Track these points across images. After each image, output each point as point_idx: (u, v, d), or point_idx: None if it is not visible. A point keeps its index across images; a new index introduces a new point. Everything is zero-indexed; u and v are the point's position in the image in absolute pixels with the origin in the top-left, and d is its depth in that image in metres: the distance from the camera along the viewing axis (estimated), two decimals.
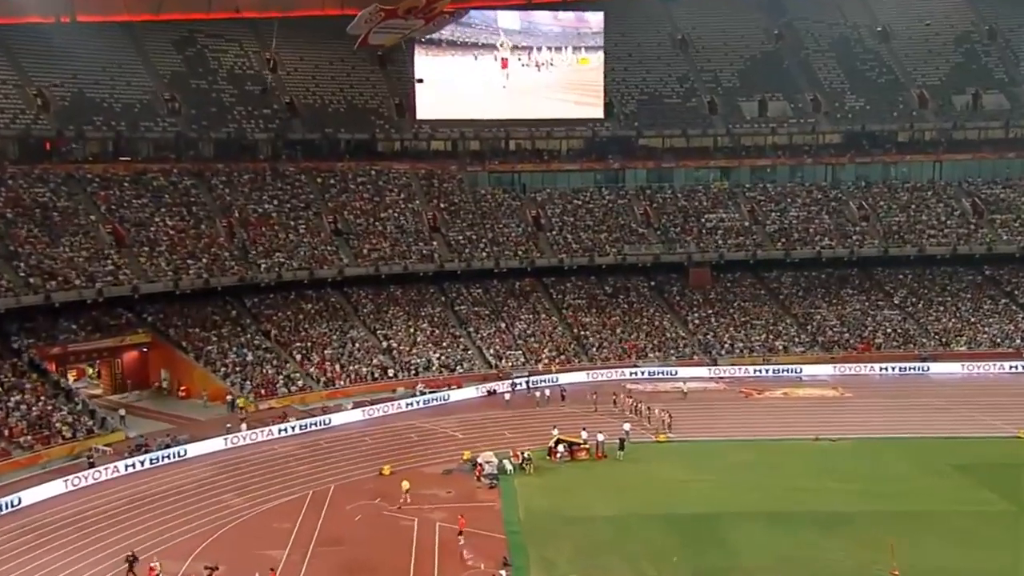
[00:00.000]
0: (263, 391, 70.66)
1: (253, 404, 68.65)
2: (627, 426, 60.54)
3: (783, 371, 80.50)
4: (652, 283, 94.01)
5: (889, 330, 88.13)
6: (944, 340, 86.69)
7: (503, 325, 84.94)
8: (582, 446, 58.02)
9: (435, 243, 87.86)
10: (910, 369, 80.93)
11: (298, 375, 73.29)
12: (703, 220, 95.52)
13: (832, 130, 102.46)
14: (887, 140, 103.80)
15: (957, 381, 77.93)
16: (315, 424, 63.11)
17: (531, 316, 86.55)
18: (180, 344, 73.88)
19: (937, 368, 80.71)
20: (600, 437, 58.02)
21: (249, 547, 43.83)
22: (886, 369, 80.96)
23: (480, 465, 52.94)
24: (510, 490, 51.88)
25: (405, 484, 50.37)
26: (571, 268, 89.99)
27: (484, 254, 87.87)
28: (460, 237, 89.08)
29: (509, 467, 54.77)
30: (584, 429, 59.35)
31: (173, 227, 80.00)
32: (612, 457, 57.50)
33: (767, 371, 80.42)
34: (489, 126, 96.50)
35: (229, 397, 69.11)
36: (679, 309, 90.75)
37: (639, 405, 66.33)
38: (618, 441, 57.95)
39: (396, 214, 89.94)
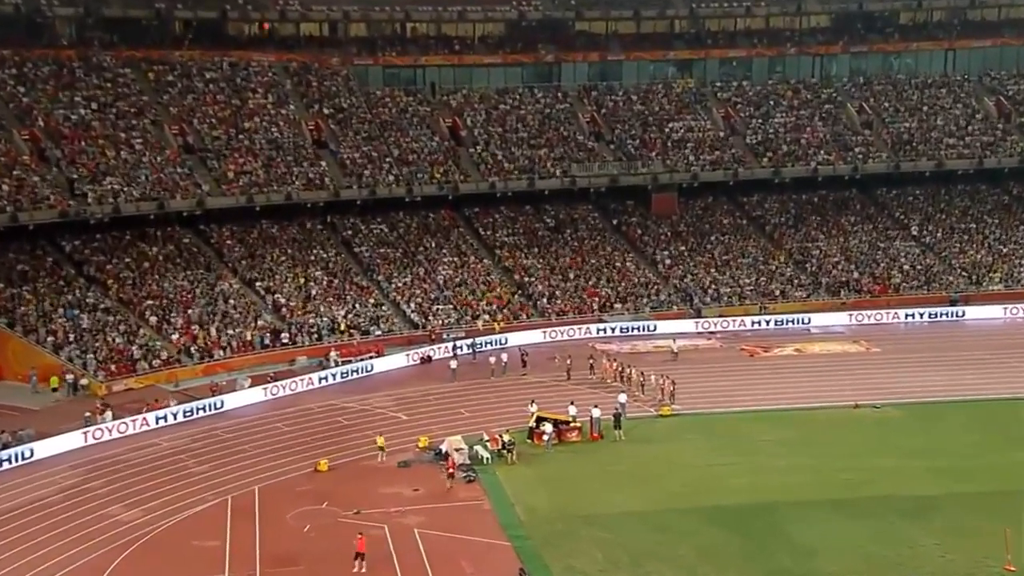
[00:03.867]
0: (115, 367, 68.89)
1: (103, 385, 66.99)
2: (623, 397, 61.57)
3: (786, 322, 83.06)
4: (603, 213, 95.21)
5: (906, 266, 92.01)
6: (974, 277, 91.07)
7: (421, 271, 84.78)
8: (572, 424, 58.76)
9: (323, 163, 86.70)
10: (940, 315, 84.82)
11: (159, 344, 71.65)
12: (666, 130, 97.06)
13: (820, 10, 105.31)
14: (887, 23, 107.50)
15: (1001, 328, 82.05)
16: (204, 409, 62.61)
17: (457, 259, 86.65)
18: None
19: (973, 313, 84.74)
20: (595, 412, 58.85)
21: (172, 575, 42.85)
22: (912, 316, 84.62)
23: (450, 457, 53.09)
24: (495, 484, 52.19)
25: (381, 441, 53.14)
26: (505, 195, 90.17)
27: (391, 178, 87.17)
28: (356, 155, 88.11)
29: (485, 455, 55.13)
30: (572, 403, 60.09)
31: None
32: (609, 436, 58.42)
33: (766, 323, 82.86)
34: (380, 3, 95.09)
35: (69, 377, 67.11)
36: (643, 246, 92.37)
37: (627, 370, 67.43)
38: (612, 418, 58.94)
39: (265, 124, 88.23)
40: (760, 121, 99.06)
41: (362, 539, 43.84)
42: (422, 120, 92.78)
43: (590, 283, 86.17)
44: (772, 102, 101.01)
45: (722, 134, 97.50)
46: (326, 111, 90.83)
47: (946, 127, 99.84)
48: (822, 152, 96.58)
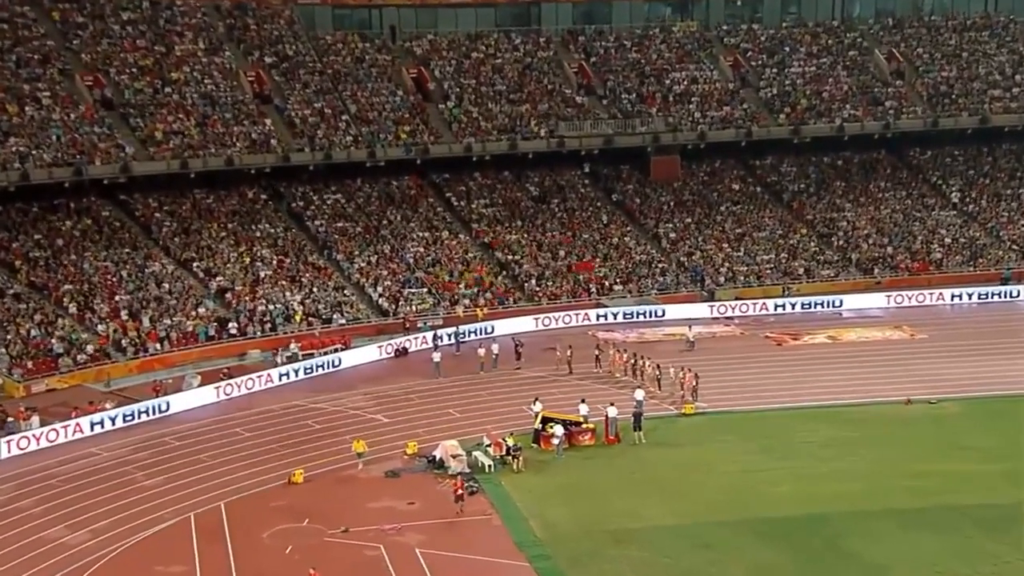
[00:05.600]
0: (32, 364, 68.21)
1: (21, 385, 66.39)
2: (640, 394, 61.56)
3: (814, 305, 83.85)
4: (595, 179, 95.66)
5: (947, 239, 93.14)
6: None
7: (387, 249, 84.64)
8: (584, 426, 58.87)
9: (268, 121, 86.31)
10: (992, 295, 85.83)
11: (83, 337, 71.11)
12: (667, 82, 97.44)
13: None
14: None
15: None
16: (147, 412, 62.31)
17: (428, 234, 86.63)
18: None
19: None
20: (612, 412, 58.87)
21: None
22: (959, 297, 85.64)
23: (458, 478, 52.32)
24: (502, 495, 51.85)
25: (359, 446, 53.20)
26: (482, 159, 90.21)
27: (348, 139, 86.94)
28: (307, 112, 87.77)
29: (486, 462, 55.05)
30: (583, 401, 60.18)
31: None
32: (627, 439, 58.56)
33: (791, 306, 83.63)
34: None
35: None
36: (642, 218, 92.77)
37: (641, 362, 67.67)
38: (632, 417, 59.05)
39: (197, 74, 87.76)
40: (774, 71, 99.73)
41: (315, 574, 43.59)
42: (382, 71, 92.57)
43: (584, 259, 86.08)
44: (788, 48, 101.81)
45: (731, 86, 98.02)
46: (268, 60, 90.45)
47: (990, 76, 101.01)
48: (847, 107, 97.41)
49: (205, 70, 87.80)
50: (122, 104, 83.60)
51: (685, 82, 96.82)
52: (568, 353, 69.65)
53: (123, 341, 71.04)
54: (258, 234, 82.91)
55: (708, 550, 47.09)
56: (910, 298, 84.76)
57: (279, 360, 70.00)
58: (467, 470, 54.09)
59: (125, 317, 72.73)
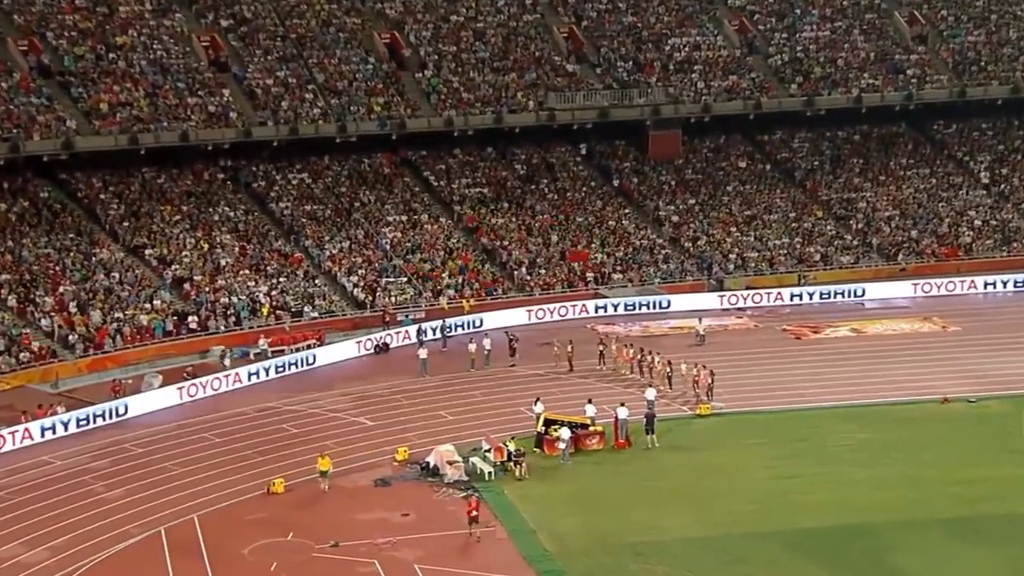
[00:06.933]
0: None
1: None
2: (652, 393, 61.66)
3: (834, 295, 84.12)
4: (589, 156, 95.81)
5: (977, 222, 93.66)
6: None
7: (361, 235, 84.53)
8: (592, 428, 58.95)
9: (226, 92, 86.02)
10: None
11: (26, 332, 70.76)
12: (666, 49, 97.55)
13: None
14: None
15: None
16: (103, 416, 62.08)
17: (405, 218, 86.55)
18: None
19: None
20: (623, 413, 58.85)
21: None
22: (992, 285, 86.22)
23: (472, 498, 51.93)
24: (505, 505, 51.49)
25: (324, 463, 52.63)
26: (464, 134, 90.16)
27: (315, 112, 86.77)
28: (269, 81, 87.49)
29: (486, 468, 54.94)
30: (590, 401, 60.18)
31: None
32: (638, 443, 58.54)
33: (809, 296, 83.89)
34: None
35: None
36: (641, 199, 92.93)
37: (649, 358, 67.89)
38: (644, 419, 59.13)
39: (145, 39, 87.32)
40: (785, 36, 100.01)
41: None
42: (352, 36, 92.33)
43: (578, 247, 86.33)
44: (799, 11, 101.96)
45: (738, 53, 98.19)
46: (224, 23, 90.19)
47: (1021, 41, 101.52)
48: (865, 76, 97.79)
49: (154, 34, 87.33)
50: (61, 72, 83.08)
51: (687, 48, 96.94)
52: (569, 349, 69.61)
53: (70, 337, 70.43)
54: (216, 218, 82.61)
55: (741, 565, 46.96)
56: (939, 286, 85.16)
57: (226, 363, 69.82)
58: (464, 478, 53.95)
59: (73, 311, 72.28)
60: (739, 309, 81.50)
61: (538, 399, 60.59)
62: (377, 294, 79.32)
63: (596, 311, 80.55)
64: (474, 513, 48.63)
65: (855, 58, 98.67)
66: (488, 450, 55.92)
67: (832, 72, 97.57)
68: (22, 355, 69.12)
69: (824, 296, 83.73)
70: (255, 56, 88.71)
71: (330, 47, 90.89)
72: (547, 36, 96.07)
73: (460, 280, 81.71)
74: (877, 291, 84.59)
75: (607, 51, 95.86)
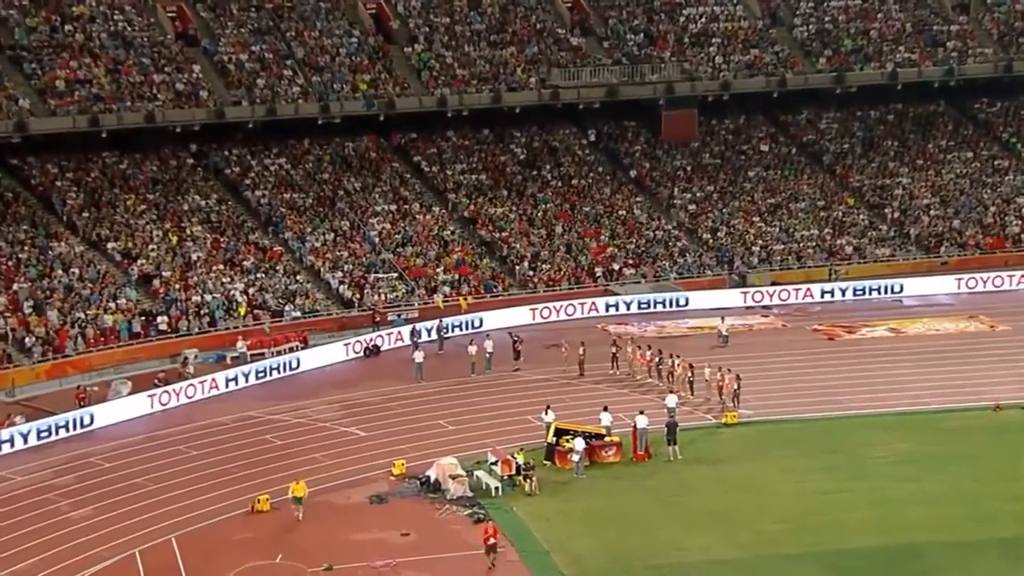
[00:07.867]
0: None
1: None
2: (673, 400, 60.70)
3: (869, 291, 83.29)
4: (596, 139, 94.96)
5: None
6: None
7: (346, 226, 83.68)
8: (608, 439, 57.75)
9: (196, 68, 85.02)
10: None
11: None
12: (681, 20, 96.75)
13: None
14: None
15: None
16: (66, 427, 61.41)
17: (394, 207, 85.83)
18: None
19: None
20: (642, 422, 57.77)
21: None
22: None
23: (490, 523, 51.02)
24: (515, 524, 50.56)
25: (298, 489, 51.60)
26: (458, 114, 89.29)
27: (294, 90, 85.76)
28: (243, 56, 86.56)
29: (492, 483, 53.92)
30: (606, 409, 59.02)
31: None
32: (659, 455, 57.59)
33: (841, 292, 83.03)
34: None
35: None
36: (654, 185, 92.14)
37: (669, 362, 66.80)
38: (665, 428, 58.22)
39: (105, 9, 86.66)
40: (812, 6, 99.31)
41: None
42: (334, 6, 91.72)
43: (588, 241, 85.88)
44: None
45: (760, 25, 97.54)
46: None
47: None
48: (900, 49, 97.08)
49: (115, 4, 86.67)
50: (12, 46, 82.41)
51: (703, 19, 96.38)
52: (580, 351, 68.66)
53: (26, 340, 69.45)
54: (186, 207, 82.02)
55: None
56: (984, 282, 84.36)
57: (190, 370, 69.00)
58: (469, 493, 53.17)
59: (28, 311, 71.40)
60: (764, 307, 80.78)
61: (548, 407, 59.89)
62: (365, 291, 78.61)
63: (607, 310, 79.97)
64: (492, 541, 47.70)
65: (889, 29, 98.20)
66: (495, 463, 55.10)
67: (864, 45, 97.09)
68: None
69: (858, 293, 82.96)
70: (227, 29, 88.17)
71: (310, 19, 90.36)
72: (549, 6, 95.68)
73: (456, 276, 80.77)
74: (916, 287, 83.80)
75: (615, 22, 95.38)
